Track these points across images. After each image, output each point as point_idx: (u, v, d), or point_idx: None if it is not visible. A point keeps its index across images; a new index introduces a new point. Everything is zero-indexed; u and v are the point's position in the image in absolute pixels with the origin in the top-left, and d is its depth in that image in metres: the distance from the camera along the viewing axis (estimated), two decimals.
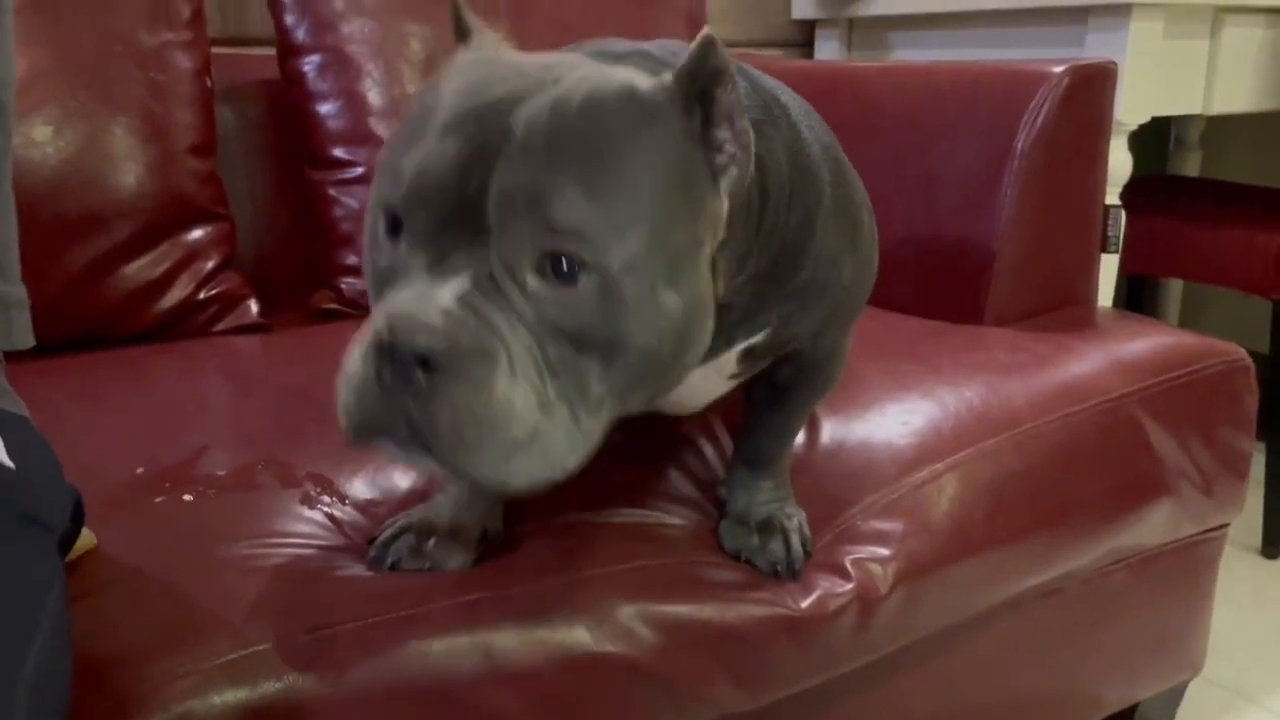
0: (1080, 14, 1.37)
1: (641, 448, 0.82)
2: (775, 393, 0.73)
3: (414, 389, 0.43)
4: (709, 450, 0.83)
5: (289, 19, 1.19)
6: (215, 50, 1.18)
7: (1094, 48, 1.36)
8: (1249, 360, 1.05)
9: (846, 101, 1.25)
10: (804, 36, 1.84)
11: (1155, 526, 0.98)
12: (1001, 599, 0.87)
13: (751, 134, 0.51)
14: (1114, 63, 1.11)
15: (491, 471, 0.45)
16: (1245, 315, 1.99)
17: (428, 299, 0.44)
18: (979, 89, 1.14)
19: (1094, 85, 1.10)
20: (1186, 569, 1.06)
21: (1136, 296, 2.14)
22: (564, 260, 0.45)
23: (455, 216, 0.45)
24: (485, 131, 0.46)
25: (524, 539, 0.70)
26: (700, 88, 0.49)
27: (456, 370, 0.43)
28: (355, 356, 0.46)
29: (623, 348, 0.47)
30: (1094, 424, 0.92)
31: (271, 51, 1.23)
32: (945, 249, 1.13)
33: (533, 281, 0.45)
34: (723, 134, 0.50)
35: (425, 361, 0.43)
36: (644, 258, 0.46)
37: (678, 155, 0.48)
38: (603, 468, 0.79)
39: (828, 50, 1.78)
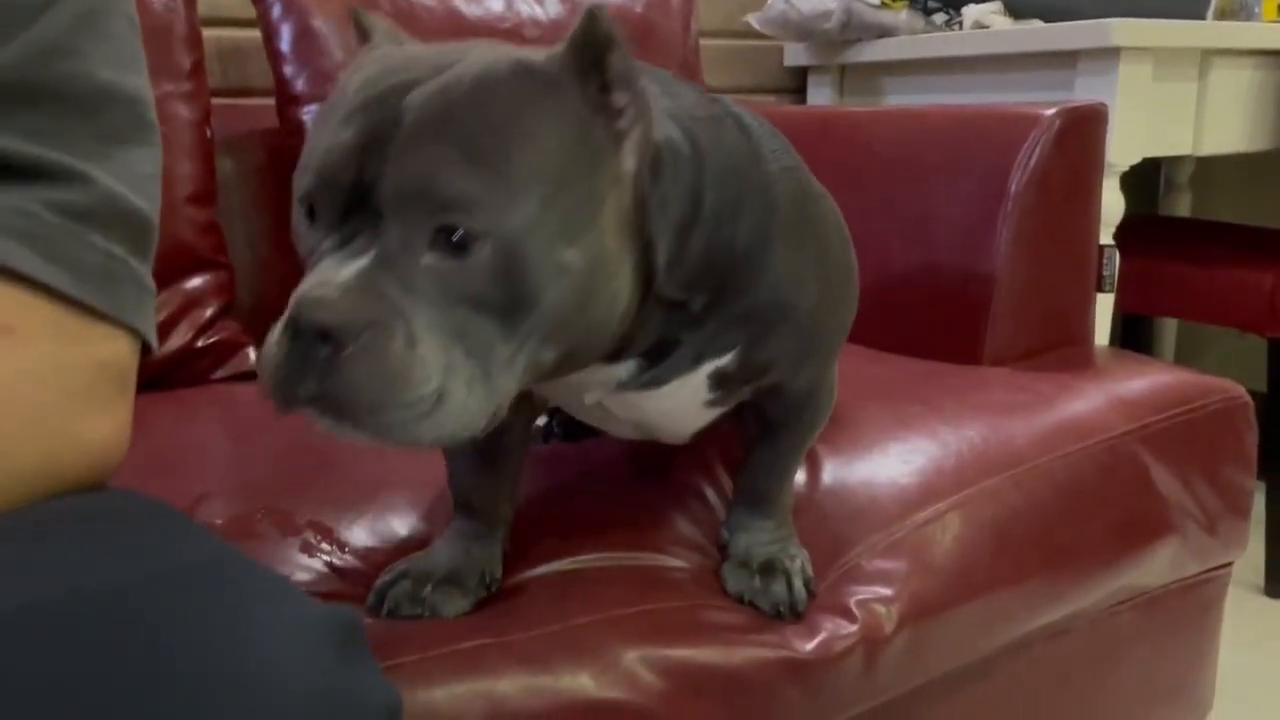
0: (1069, 58, 1.39)
1: (642, 490, 0.82)
2: (765, 429, 0.73)
3: (319, 363, 0.46)
4: (710, 492, 0.83)
5: (288, 70, 1.20)
6: (215, 100, 1.19)
7: (1084, 91, 1.37)
8: (1248, 398, 1.05)
9: (841, 145, 1.26)
10: (797, 83, 1.86)
11: (1160, 565, 0.97)
12: (1008, 640, 0.86)
13: (650, 96, 0.53)
14: (1105, 105, 1.12)
15: (402, 433, 0.48)
16: (1242, 353, 2.00)
17: (330, 278, 0.47)
18: (971, 132, 1.15)
19: (1085, 127, 1.11)
20: (1192, 609, 1.05)
21: (1133, 336, 2.15)
22: (457, 233, 0.47)
23: (355, 203, 0.48)
24: (378, 118, 0.48)
25: (525, 585, 0.69)
26: (593, 55, 0.50)
27: (353, 342, 0.46)
28: (273, 336, 0.48)
29: (526, 307, 0.49)
30: (1096, 462, 0.92)
31: (271, 101, 1.24)
32: (942, 290, 1.14)
33: (428, 258, 0.47)
34: (620, 97, 0.51)
35: (326, 336, 0.46)
36: (539, 219, 0.48)
37: (571, 120, 0.50)
38: (603, 511, 0.79)
39: (820, 96, 1.80)
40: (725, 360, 0.63)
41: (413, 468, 0.79)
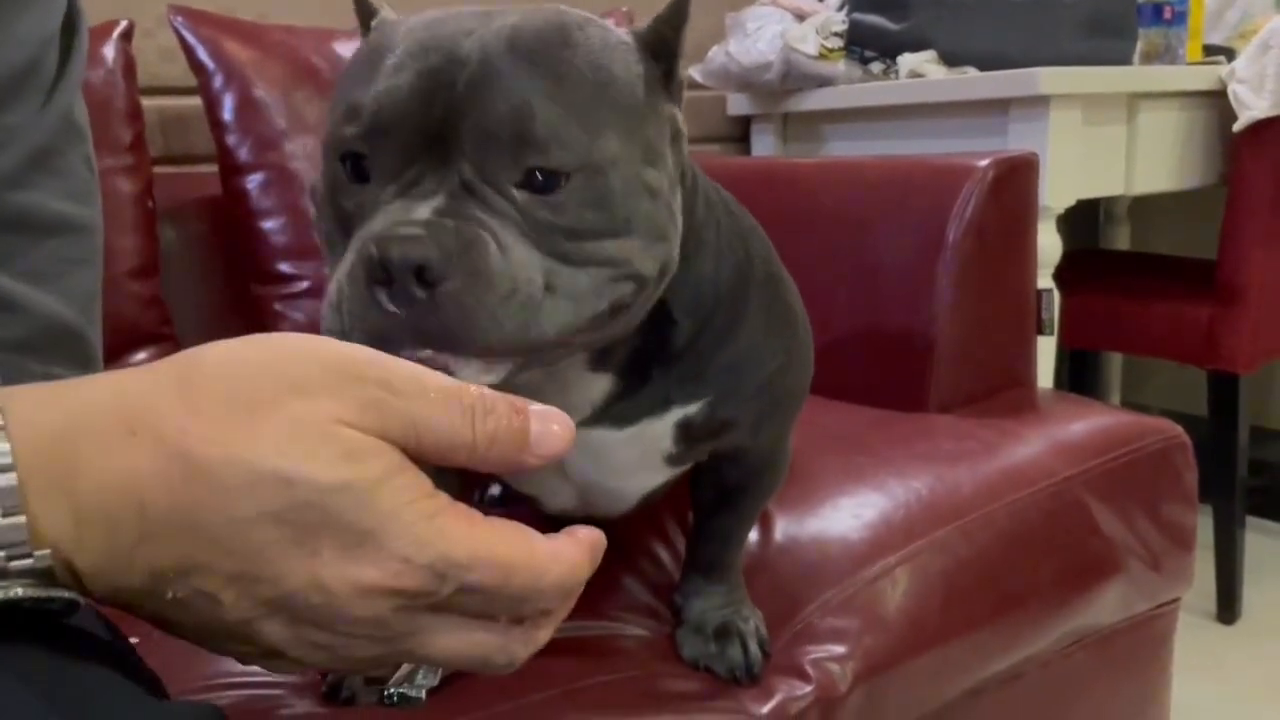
0: (1002, 105, 1.43)
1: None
2: (724, 496, 0.74)
3: (418, 303, 0.44)
4: (664, 555, 0.83)
5: (230, 139, 1.20)
6: (158, 169, 1.19)
7: (1016, 137, 1.41)
8: (1186, 437, 1.07)
9: (784, 196, 1.28)
10: (740, 132, 1.89)
11: (1108, 605, 0.99)
12: (962, 689, 0.87)
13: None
14: (1035, 154, 1.15)
15: (508, 336, 0.45)
16: (1187, 382, 2.04)
17: (406, 217, 0.45)
18: (910, 183, 1.17)
19: (1018, 176, 1.14)
20: (1143, 645, 1.07)
21: (1080, 369, 2.19)
22: (546, 172, 0.47)
23: (422, 145, 0.47)
24: (440, 61, 0.47)
25: None
26: (671, 29, 0.53)
27: (453, 269, 0.44)
28: (340, 283, 0.46)
29: (618, 229, 0.49)
30: (1040, 508, 0.93)
31: (215, 168, 1.24)
32: (886, 339, 1.16)
33: (519, 195, 0.47)
34: (678, 71, 0.54)
35: (420, 272, 0.44)
36: (623, 149, 0.49)
37: (640, 68, 0.52)
38: None
39: (764, 144, 1.83)
40: (693, 410, 0.63)
41: None
